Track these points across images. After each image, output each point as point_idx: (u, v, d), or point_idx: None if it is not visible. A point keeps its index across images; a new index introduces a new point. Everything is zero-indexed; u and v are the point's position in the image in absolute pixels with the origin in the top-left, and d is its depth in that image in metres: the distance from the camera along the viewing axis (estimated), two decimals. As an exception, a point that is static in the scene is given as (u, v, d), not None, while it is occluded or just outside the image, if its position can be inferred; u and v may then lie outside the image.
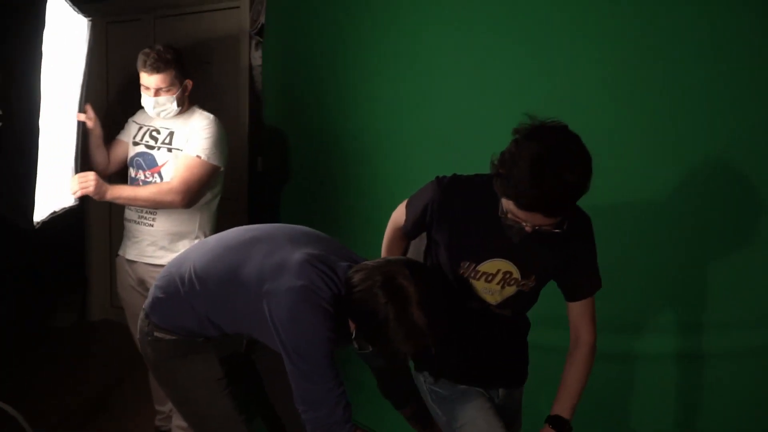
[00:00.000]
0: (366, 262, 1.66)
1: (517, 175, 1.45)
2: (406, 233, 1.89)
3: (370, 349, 1.61)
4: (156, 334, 1.81)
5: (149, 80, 2.57)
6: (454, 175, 1.77)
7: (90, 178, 2.45)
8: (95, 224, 4.61)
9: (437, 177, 1.78)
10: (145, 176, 2.69)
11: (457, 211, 1.72)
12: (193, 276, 1.76)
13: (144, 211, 2.67)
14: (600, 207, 2.04)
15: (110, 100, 4.41)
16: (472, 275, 1.74)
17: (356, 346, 1.64)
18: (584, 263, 1.75)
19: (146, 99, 2.63)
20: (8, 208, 2.11)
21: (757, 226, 2.31)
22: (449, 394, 1.87)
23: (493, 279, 1.73)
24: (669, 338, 2.51)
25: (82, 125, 2.59)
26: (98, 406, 3.28)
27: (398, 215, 1.90)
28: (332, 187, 3.31)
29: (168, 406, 2.85)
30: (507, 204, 1.54)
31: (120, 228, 4.64)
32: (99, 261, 4.65)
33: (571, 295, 1.78)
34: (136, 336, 1.98)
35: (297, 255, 1.64)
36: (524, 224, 1.54)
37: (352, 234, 3.06)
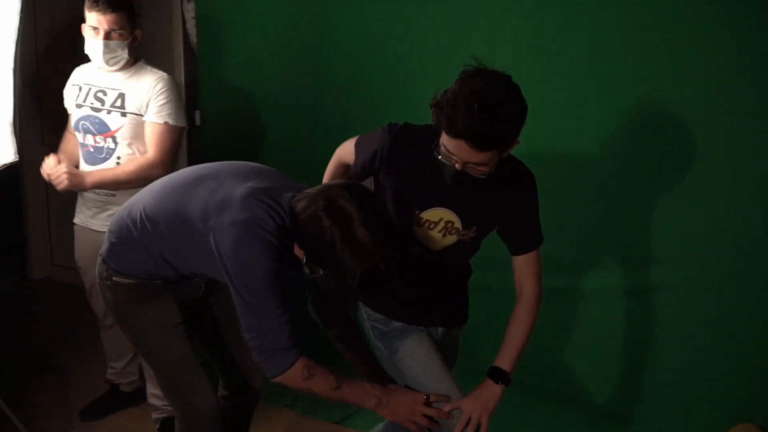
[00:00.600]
0: (307, 189, 1.70)
1: (453, 103, 1.54)
2: (354, 175, 1.93)
3: (321, 273, 1.67)
4: (114, 278, 1.86)
5: (101, 20, 2.38)
6: (405, 123, 1.84)
7: (61, 170, 2.39)
8: (31, 182, 4.55)
9: (389, 123, 1.85)
10: (96, 141, 2.56)
11: (406, 159, 1.78)
12: (144, 218, 1.80)
13: None
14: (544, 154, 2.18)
15: (39, 57, 4.32)
16: (415, 221, 1.81)
17: (307, 271, 1.70)
18: (525, 218, 1.83)
19: (93, 44, 2.43)
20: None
21: (693, 165, 2.52)
22: (389, 330, 1.96)
23: (435, 227, 1.81)
24: (611, 274, 2.73)
25: (18, 84, 2.57)
26: (44, 365, 3.31)
27: (346, 152, 1.94)
28: (272, 140, 3.37)
29: (121, 363, 2.89)
30: (442, 139, 1.62)
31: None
32: (37, 219, 4.61)
33: (513, 249, 1.86)
34: (96, 281, 2.01)
35: (240, 189, 1.69)
36: (454, 160, 1.61)
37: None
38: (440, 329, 2.05)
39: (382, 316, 1.99)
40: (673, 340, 2.68)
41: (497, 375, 1.82)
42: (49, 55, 4.29)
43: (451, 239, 1.84)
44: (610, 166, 2.66)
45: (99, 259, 1.92)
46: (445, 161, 1.64)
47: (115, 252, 1.88)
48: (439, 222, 1.81)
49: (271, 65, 3.29)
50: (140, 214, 1.82)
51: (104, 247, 1.92)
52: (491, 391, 1.82)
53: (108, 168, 2.52)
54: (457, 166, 1.62)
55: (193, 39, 3.69)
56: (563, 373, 2.90)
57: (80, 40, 2.52)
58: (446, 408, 1.80)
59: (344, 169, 1.99)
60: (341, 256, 1.58)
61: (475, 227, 1.83)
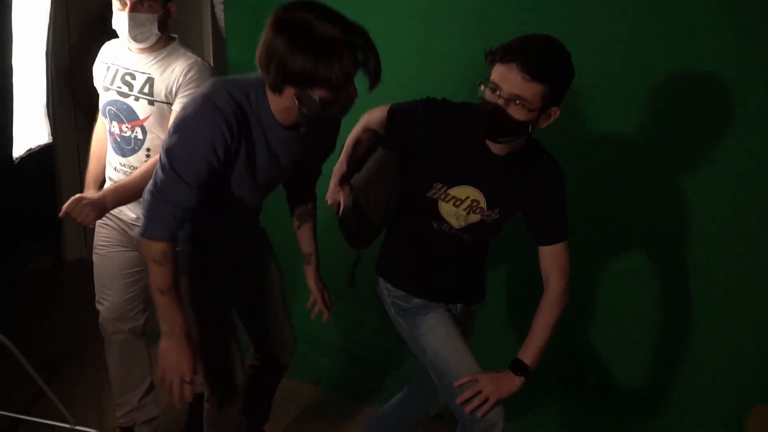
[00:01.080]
0: None
1: (509, 41, 1.63)
2: (384, 143, 1.94)
3: (317, 108, 1.58)
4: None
5: None
6: (444, 99, 1.86)
7: (82, 204, 2.13)
8: (64, 165, 4.64)
9: (428, 98, 1.86)
10: (122, 130, 2.31)
11: (440, 135, 1.80)
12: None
13: (130, 169, 2.33)
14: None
15: (72, 43, 4.39)
16: (442, 197, 1.84)
17: (304, 129, 1.71)
18: (551, 209, 1.84)
19: (120, 17, 2.13)
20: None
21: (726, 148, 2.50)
22: (411, 306, 2.00)
23: (461, 204, 1.84)
24: (640, 255, 2.73)
25: (51, 66, 2.62)
26: (80, 346, 3.39)
27: (375, 119, 1.94)
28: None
29: (137, 394, 2.56)
30: (492, 74, 1.64)
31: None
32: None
33: (538, 239, 1.87)
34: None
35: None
36: (497, 95, 1.62)
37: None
38: (459, 306, 2.08)
39: (402, 293, 2.02)
40: (701, 323, 2.67)
41: (518, 367, 1.86)
42: (81, 40, 4.35)
43: (474, 218, 1.87)
44: (639, 148, 2.65)
45: (138, 222, 1.96)
46: (486, 100, 1.65)
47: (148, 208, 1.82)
48: (465, 200, 1.83)
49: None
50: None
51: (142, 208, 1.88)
52: (510, 380, 1.85)
53: (125, 180, 2.25)
54: (499, 101, 1.62)
55: (221, 23, 3.73)
56: (588, 360, 2.89)
57: (110, 17, 2.24)
58: (465, 378, 1.84)
59: (370, 134, 1.99)
60: (313, 66, 1.49)
61: (498, 209, 1.86)
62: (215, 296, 1.96)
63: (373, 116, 1.96)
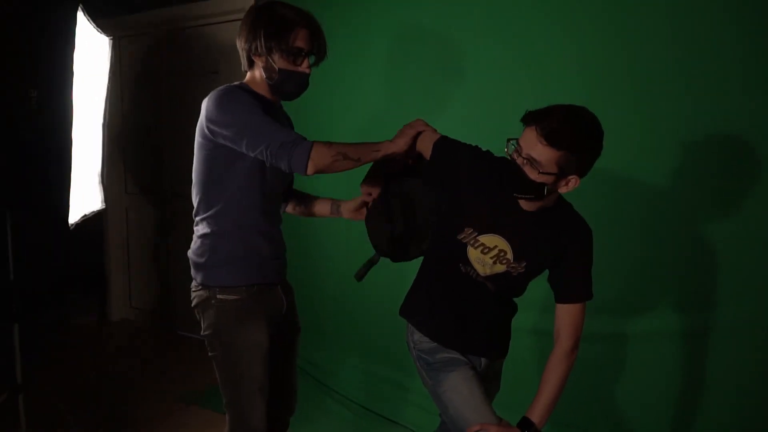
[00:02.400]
0: None
1: (546, 108, 1.68)
2: (425, 172, 1.98)
3: (278, 77, 1.87)
4: (219, 296, 1.95)
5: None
6: (488, 151, 1.91)
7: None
8: (114, 229, 4.83)
9: (477, 146, 1.91)
10: None
11: (479, 182, 1.85)
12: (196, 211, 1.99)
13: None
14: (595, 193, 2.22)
15: (125, 111, 4.63)
16: (472, 242, 1.86)
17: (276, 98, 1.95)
18: (576, 269, 1.84)
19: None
20: (47, 211, 2.34)
21: (747, 199, 2.46)
22: (435, 362, 1.99)
23: (488, 252, 1.86)
24: (660, 316, 2.67)
25: (106, 138, 2.78)
26: (119, 404, 3.45)
27: (422, 144, 1.96)
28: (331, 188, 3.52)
29: None
30: (522, 138, 1.69)
31: (136, 233, 4.86)
32: (117, 263, 4.88)
33: (559, 297, 1.87)
34: (195, 313, 2.06)
35: None
36: (520, 151, 1.67)
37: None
38: (483, 361, 2.06)
39: (428, 346, 2.02)
40: (726, 384, 2.57)
41: (525, 425, 1.85)
42: (133, 111, 4.60)
43: (500, 268, 1.89)
44: (662, 206, 2.63)
45: (196, 289, 2.02)
46: (512, 157, 1.72)
47: (211, 265, 1.97)
48: (494, 248, 1.86)
49: (342, 115, 3.43)
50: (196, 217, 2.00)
51: (198, 274, 2.01)
52: None
53: None
54: (519, 159, 1.68)
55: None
56: (613, 416, 2.85)
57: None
58: (475, 427, 1.84)
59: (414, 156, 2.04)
60: (273, 40, 1.83)
61: (525, 263, 1.87)
62: (267, 345, 2.01)
63: (422, 140, 1.98)
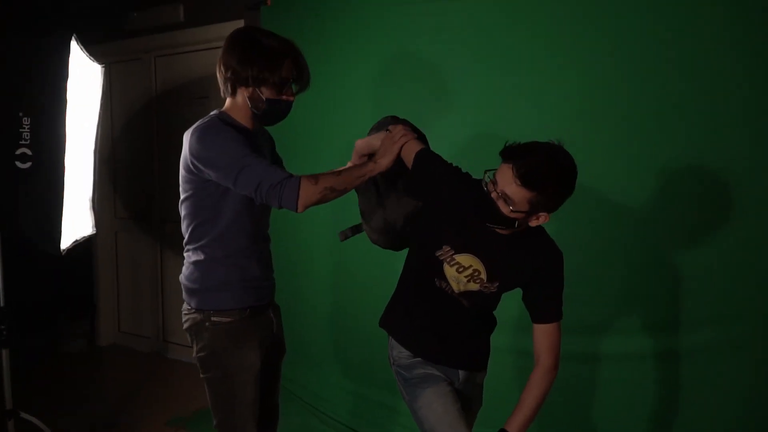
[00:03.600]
0: None
1: (526, 143, 1.73)
2: (406, 186, 2.04)
3: (264, 106, 1.91)
4: (213, 318, 1.97)
5: None
6: (467, 173, 1.96)
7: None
8: (103, 254, 4.83)
9: (458, 168, 1.96)
10: None
11: (459, 204, 1.90)
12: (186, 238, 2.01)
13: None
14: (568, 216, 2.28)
15: (115, 136, 4.66)
16: (448, 260, 1.92)
17: (257, 126, 1.99)
18: (548, 291, 1.91)
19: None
20: (39, 237, 2.37)
21: (721, 228, 2.51)
22: (411, 377, 2.04)
23: (463, 271, 1.92)
24: (637, 338, 2.70)
25: (97, 162, 2.81)
26: (111, 427, 3.45)
27: (404, 152, 2.00)
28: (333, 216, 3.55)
29: None
30: (498, 173, 1.75)
31: (125, 257, 4.87)
32: (107, 288, 4.88)
33: (534, 317, 1.94)
34: (188, 336, 2.07)
35: None
36: (493, 188, 1.73)
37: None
38: (461, 374, 2.10)
39: (406, 362, 2.07)
40: (699, 404, 2.62)
41: None
42: (122, 135, 4.62)
43: (473, 286, 1.94)
44: (636, 228, 2.67)
45: (189, 312, 2.02)
46: (487, 187, 1.77)
47: (204, 289, 1.99)
48: (468, 268, 1.92)
49: (324, 148, 3.48)
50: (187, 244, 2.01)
51: (192, 299, 2.01)
52: None
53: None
54: (493, 193, 1.74)
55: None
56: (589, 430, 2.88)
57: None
58: None
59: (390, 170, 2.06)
60: (260, 72, 1.86)
61: (498, 283, 1.94)
62: (259, 367, 2.03)
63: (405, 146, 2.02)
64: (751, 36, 2.41)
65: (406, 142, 1.97)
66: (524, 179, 1.67)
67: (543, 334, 1.92)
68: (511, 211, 1.73)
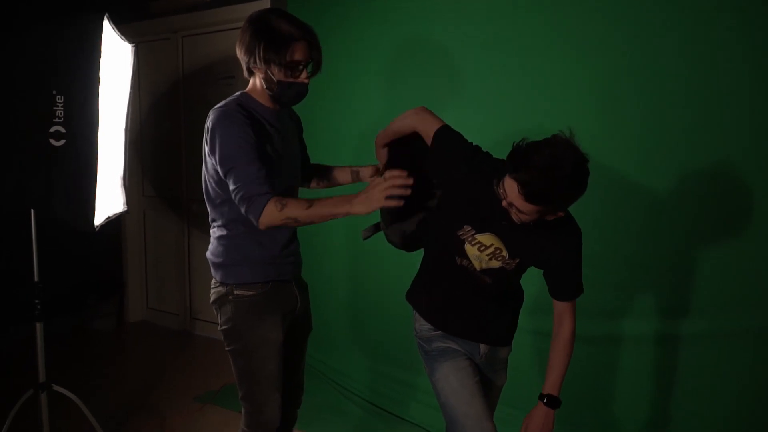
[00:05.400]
0: None
1: (525, 151, 1.66)
2: (428, 161, 2.03)
3: (276, 88, 1.92)
4: (236, 292, 2.02)
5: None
6: (487, 152, 1.97)
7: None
8: (131, 232, 4.90)
9: (478, 146, 1.97)
10: None
11: (479, 183, 1.91)
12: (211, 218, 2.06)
13: None
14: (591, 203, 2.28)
15: (142, 115, 4.70)
16: (469, 239, 1.95)
17: (276, 106, 2.00)
18: (568, 268, 1.94)
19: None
20: (73, 215, 2.41)
21: (731, 221, 2.50)
22: (431, 350, 2.09)
23: (485, 250, 1.95)
24: (649, 322, 2.72)
25: (127, 142, 2.85)
26: (142, 403, 3.51)
27: (423, 128, 2.04)
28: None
29: None
30: (505, 176, 1.73)
31: (153, 235, 4.93)
32: (135, 267, 4.95)
33: (555, 294, 1.99)
34: (213, 309, 2.12)
35: None
36: (505, 196, 1.73)
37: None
38: (482, 347, 2.12)
39: (427, 335, 2.11)
40: (704, 389, 2.63)
41: (551, 401, 1.97)
42: (150, 115, 4.67)
43: (495, 264, 1.97)
44: (657, 213, 2.67)
45: (215, 286, 2.08)
46: (500, 195, 1.78)
47: (229, 264, 2.04)
48: (490, 247, 1.95)
49: (357, 116, 3.49)
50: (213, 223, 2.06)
51: (217, 273, 2.06)
52: (547, 414, 1.96)
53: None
54: (503, 203, 1.77)
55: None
56: (602, 412, 2.88)
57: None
58: None
59: (415, 136, 2.09)
60: (267, 53, 1.85)
61: (518, 260, 1.96)
62: (282, 341, 2.06)
63: (421, 124, 2.05)
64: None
65: (389, 197, 1.84)
66: (529, 198, 1.66)
67: (564, 306, 1.99)
68: (526, 218, 1.75)
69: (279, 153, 2.00)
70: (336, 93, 3.49)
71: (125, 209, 2.83)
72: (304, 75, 1.94)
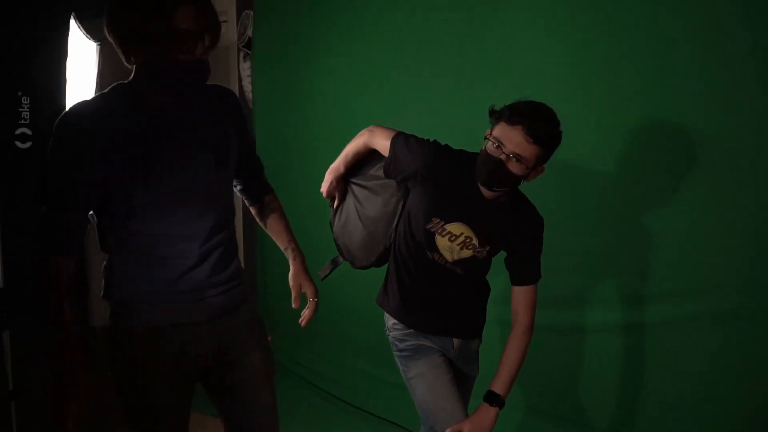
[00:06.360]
0: None
1: (513, 104, 1.85)
2: (387, 170, 2.07)
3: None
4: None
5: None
6: (446, 145, 2.05)
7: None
8: (94, 238, 4.79)
9: (435, 141, 2.04)
10: None
11: (442, 175, 1.98)
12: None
13: None
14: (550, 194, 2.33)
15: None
16: (439, 231, 1.99)
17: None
18: (530, 254, 2.03)
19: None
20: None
21: (693, 205, 2.50)
22: (404, 348, 2.12)
23: (455, 239, 1.99)
24: (613, 310, 2.74)
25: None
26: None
27: (379, 144, 2.08)
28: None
29: None
30: (495, 132, 1.85)
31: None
32: (99, 271, 4.84)
33: (515, 280, 2.05)
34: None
35: None
36: (502, 150, 1.82)
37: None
38: (455, 341, 2.15)
39: (399, 333, 2.13)
40: (674, 374, 2.64)
41: (491, 398, 1.99)
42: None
43: (466, 253, 2.01)
44: (613, 200, 2.70)
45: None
46: (490, 153, 1.85)
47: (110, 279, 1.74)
48: (460, 236, 1.99)
49: (326, 119, 3.47)
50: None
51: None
52: (487, 413, 1.97)
53: None
54: (502, 156, 1.83)
55: (249, 95, 3.93)
56: (571, 399, 2.91)
57: None
58: (448, 431, 1.96)
59: (371, 152, 2.14)
60: (142, 23, 1.42)
61: (488, 247, 2.02)
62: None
63: (375, 138, 2.10)
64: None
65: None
66: (537, 138, 1.81)
67: (523, 294, 2.03)
68: (525, 168, 1.84)
69: (145, 152, 1.55)
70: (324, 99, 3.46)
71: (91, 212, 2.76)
72: (199, 48, 1.50)
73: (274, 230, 2.02)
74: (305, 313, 2.05)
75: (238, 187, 1.97)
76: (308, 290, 2.03)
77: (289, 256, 2.02)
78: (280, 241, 2.03)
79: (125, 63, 1.56)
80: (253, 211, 2.04)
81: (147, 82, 1.55)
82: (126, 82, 1.58)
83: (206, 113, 1.66)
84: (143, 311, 1.65)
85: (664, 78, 2.49)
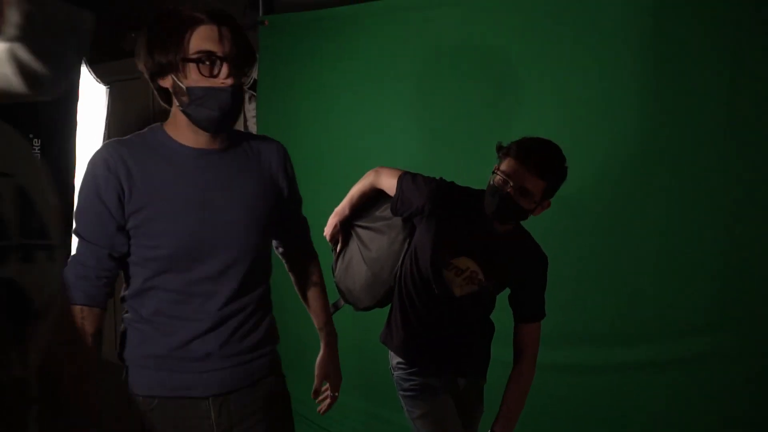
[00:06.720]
0: None
1: (520, 140, 1.91)
2: (393, 208, 2.11)
3: (187, 98, 1.46)
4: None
5: None
6: (452, 182, 2.09)
7: None
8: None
9: (441, 179, 2.08)
10: None
11: (448, 211, 2.02)
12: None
13: None
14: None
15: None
16: (446, 266, 2.01)
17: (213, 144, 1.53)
18: (534, 291, 2.04)
19: None
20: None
21: (672, 241, 2.55)
22: (409, 388, 2.11)
23: (461, 274, 2.01)
24: (619, 347, 2.72)
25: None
26: None
27: (385, 183, 2.13)
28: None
29: None
30: (502, 166, 1.89)
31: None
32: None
33: (519, 317, 2.06)
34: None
35: None
36: (509, 184, 1.85)
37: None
38: (461, 382, 2.16)
39: (403, 373, 2.12)
40: (683, 413, 2.63)
41: None
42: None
43: (472, 288, 2.03)
44: (605, 236, 2.72)
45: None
46: (498, 186, 1.88)
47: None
48: (466, 270, 2.01)
49: (330, 161, 3.52)
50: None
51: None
52: None
53: None
54: (509, 189, 1.86)
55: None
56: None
57: None
58: None
59: (377, 193, 2.18)
60: (154, 53, 1.41)
61: (494, 282, 2.04)
62: None
63: (381, 178, 2.15)
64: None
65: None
66: (544, 173, 1.86)
67: (526, 332, 2.04)
68: (530, 202, 1.88)
69: (168, 209, 1.47)
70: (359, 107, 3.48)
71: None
72: (221, 72, 1.41)
73: (311, 307, 1.87)
74: (324, 405, 1.91)
75: (279, 250, 1.84)
76: (334, 383, 1.88)
77: (323, 338, 1.87)
78: (316, 320, 1.88)
79: (162, 103, 1.55)
80: (291, 277, 1.89)
81: (184, 121, 1.49)
82: (162, 124, 1.55)
83: (244, 164, 1.57)
84: (144, 377, 1.52)
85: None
